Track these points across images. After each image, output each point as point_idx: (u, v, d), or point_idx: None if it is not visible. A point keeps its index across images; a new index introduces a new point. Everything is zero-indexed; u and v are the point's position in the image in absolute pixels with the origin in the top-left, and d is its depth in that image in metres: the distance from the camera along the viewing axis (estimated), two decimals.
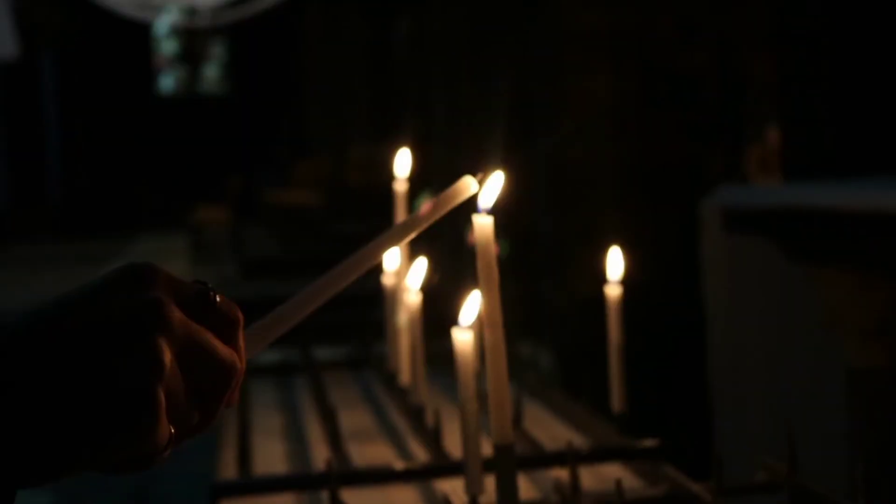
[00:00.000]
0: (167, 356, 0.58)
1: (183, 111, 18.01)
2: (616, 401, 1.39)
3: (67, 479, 0.58)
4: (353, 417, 1.75)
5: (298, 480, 1.37)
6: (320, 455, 1.51)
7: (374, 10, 10.32)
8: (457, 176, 0.77)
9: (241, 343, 0.64)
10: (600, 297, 1.38)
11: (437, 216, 0.75)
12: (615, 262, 1.37)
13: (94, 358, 0.56)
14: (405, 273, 1.49)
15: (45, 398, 0.55)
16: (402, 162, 1.53)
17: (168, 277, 0.61)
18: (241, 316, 0.64)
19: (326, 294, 0.70)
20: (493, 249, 0.87)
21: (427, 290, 1.45)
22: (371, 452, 1.55)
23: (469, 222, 0.87)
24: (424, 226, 0.74)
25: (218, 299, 0.63)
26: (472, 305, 0.92)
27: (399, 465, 1.41)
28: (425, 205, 0.74)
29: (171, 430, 0.59)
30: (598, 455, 1.41)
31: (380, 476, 1.35)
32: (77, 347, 0.56)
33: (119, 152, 17.13)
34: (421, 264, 1.41)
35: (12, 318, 0.58)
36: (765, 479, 1.22)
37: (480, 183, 0.81)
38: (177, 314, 0.59)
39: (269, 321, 0.68)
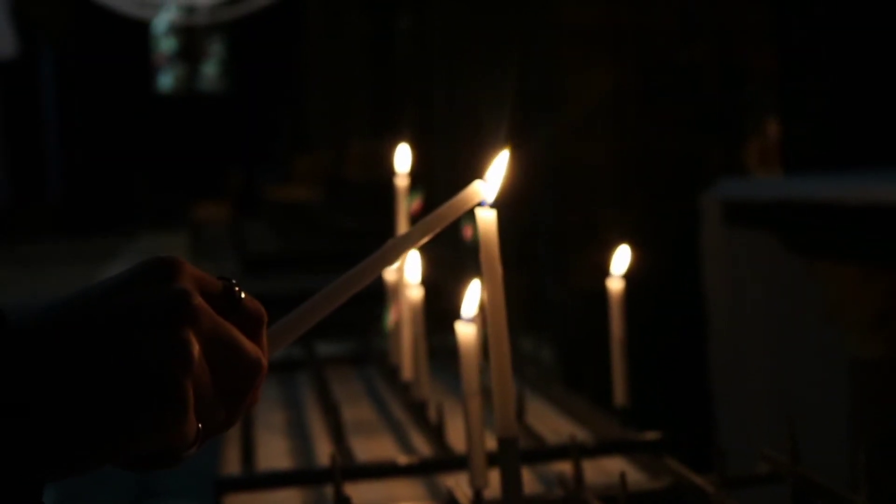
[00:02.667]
0: (195, 349, 0.56)
1: (182, 109, 18.01)
2: (618, 394, 1.39)
3: (92, 472, 0.57)
4: (356, 412, 1.75)
5: (302, 475, 1.38)
6: (324, 450, 1.52)
7: (374, 4, 10.31)
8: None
9: (265, 341, 0.63)
10: (602, 292, 1.38)
11: (450, 221, 0.76)
12: (622, 260, 1.37)
13: (122, 350, 0.55)
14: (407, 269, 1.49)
15: (73, 391, 0.54)
16: (403, 157, 1.53)
17: (193, 272, 0.60)
18: (265, 313, 0.63)
19: (347, 293, 0.69)
20: (497, 243, 0.87)
21: (428, 284, 1.45)
22: (374, 447, 1.55)
23: (466, 217, 0.87)
24: (438, 230, 0.75)
25: (243, 296, 0.62)
26: (473, 296, 0.93)
27: (402, 459, 1.41)
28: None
29: (198, 426, 0.58)
30: (601, 448, 1.41)
31: (383, 470, 1.36)
32: (105, 339, 0.55)
33: (118, 150, 17.14)
34: (415, 258, 1.41)
35: (37, 308, 0.57)
36: (767, 470, 1.22)
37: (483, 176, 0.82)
38: (204, 307, 0.58)
39: (289, 320, 0.68)
